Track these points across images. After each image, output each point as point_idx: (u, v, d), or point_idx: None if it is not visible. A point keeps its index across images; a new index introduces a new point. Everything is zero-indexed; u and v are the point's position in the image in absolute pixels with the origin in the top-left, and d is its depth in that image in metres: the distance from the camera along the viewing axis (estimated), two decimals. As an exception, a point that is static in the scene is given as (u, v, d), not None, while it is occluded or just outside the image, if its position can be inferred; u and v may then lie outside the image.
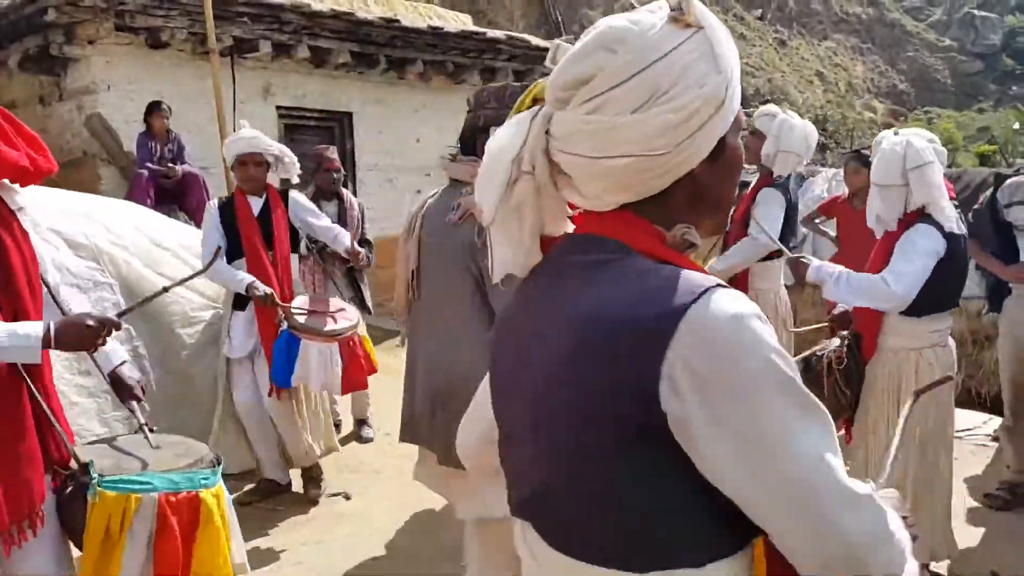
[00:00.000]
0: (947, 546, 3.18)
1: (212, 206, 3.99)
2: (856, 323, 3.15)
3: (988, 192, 4.34)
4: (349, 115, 8.28)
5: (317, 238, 4.33)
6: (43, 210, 4.08)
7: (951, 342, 3.15)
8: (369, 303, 4.99)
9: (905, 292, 2.87)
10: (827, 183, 7.65)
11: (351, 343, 3.82)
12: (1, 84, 7.91)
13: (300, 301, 3.89)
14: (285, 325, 3.77)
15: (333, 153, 4.98)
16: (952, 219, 2.98)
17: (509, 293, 1.13)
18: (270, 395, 3.91)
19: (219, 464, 2.19)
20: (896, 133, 3.14)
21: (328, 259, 4.69)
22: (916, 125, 24.91)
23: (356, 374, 3.85)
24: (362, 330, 4.03)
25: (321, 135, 8.03)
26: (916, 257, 2.89)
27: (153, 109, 6.36)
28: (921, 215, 2.97)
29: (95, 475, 1.97)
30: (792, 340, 3.96)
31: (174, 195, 6.30)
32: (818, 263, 3.13)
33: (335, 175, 4.90)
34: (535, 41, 9.45)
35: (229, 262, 3.82)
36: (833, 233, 5.39)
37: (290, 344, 3.72)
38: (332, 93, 8.11)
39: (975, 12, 31.85)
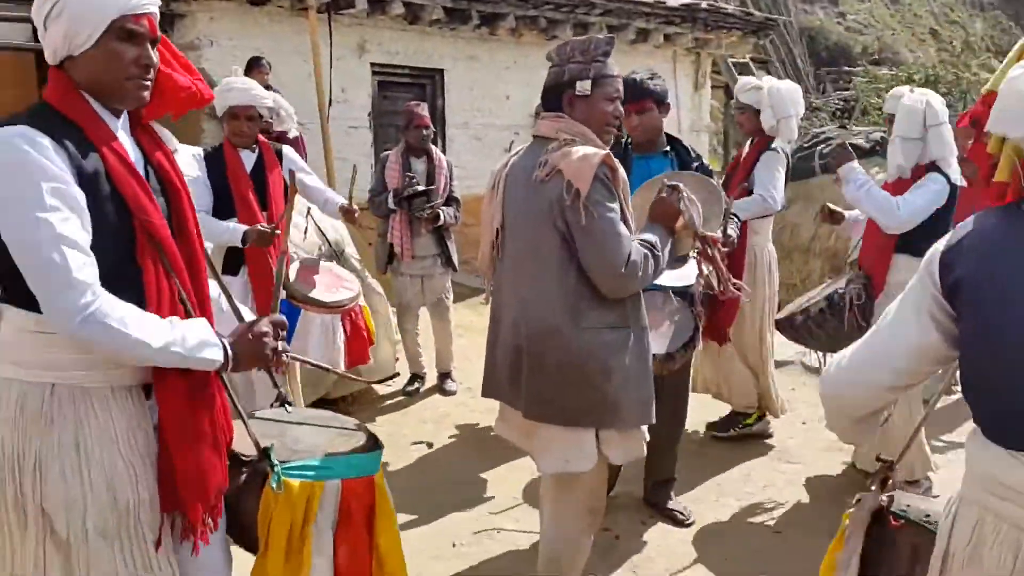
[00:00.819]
0: (923, 466, 3.59)
1: (197, 154, 3.64)
2: (867, 264, 3.53)
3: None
4: (441, 72, 8.32)
5: (308, 199, 4.02)
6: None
7: None
8: (455, 260, 5.07)
9: (908, 216, 3.31)
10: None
11: (353, 314, 3.63)
12: (114, 40, 8.29)
13: (293, 268, 3.51)
14: (283, 294, 3.32)
15: (424, 110, 5.04)
16: (956, 173, 3.43)
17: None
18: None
19: (380, 445, 1.93)
20: (912, 91, 3.54)
21: (416, 216, 4.78)
22: (1039, 86, 23.24)
23: (359, 347, 3.66)
24: (361, 300, 3.77)
25: (413, 92, 8.11)
26: (925, 195, 3.34)
27: (253, 65, 6.54)
28: (932, 167, 3.39)
29: (275, 461, 1.73)
30: (776, 289, 4.19)
31: (272, 149, 6.50)
32: (856, 165, 3.49)
33: (425, 132, 4.96)
34: (630, -5, 9.23)
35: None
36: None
37: (290, 316, 3.33)
38: (424, 50, 8.16)
39: (1115, -37, 29.23)
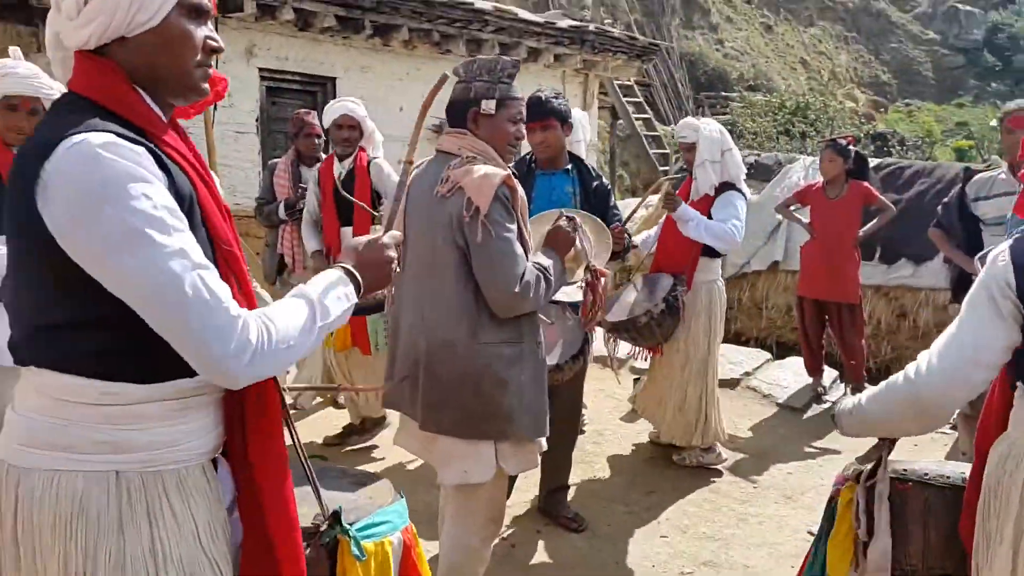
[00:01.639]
0: (717, 435, 4.18)
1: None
2: (671, 268, 4.05)
3: (957, 186, 4.45)
4: (333, 80, 8.21)
5: None
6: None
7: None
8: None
9: (742, 235, 3.99)
10: (805, 171, 7.74)
11: None
12: (-24, 32, 7.75)
13: None
14: None
15: (315, 119, 4.97)
16: (746, 189, 4.12)
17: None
18: None
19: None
20: (699, 119, 4.20)
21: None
22: (896, 116, 25.14)
23: None
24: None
25: (303, 100, 7.96)
26: (740, 213, 3.97)
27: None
28: (727, 185, 4.02)
29: (347, 526, 1.55)
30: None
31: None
32: (685, 207, 3.94)
33: (317, 140, 4.90)
34: (523, 14, 9.41)
35: None
36: (806, 220, 5.48)
37: None
38: (316, 57, 8.04)
39: (959, 6, 32.05)
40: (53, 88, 2.86)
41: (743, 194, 4.09)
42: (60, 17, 1.24)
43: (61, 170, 1.11)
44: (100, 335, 1.18)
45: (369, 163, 4.27)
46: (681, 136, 4.24)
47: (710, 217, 3.98)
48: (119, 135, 1.15)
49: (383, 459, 4.21)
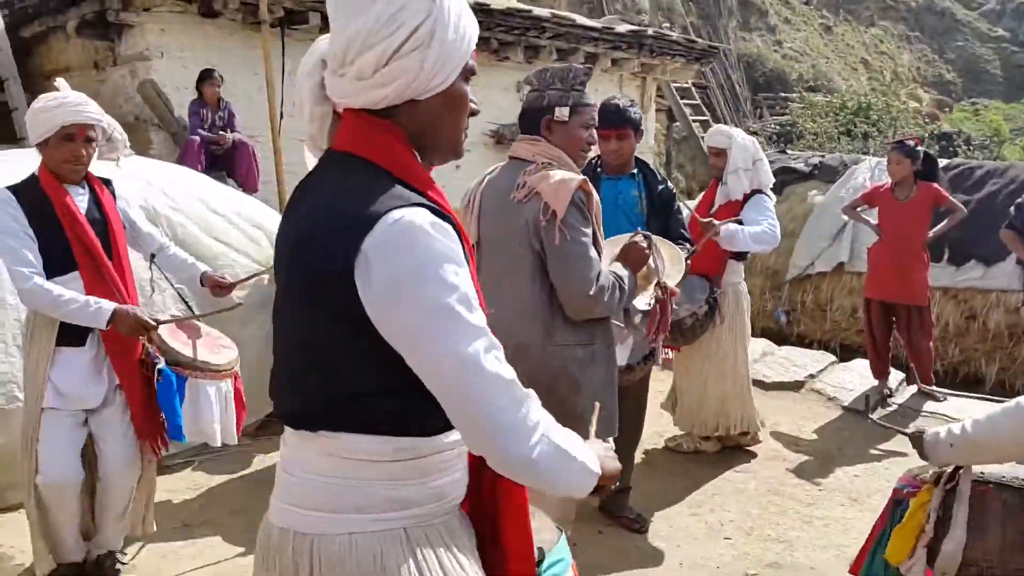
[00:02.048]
0: (755, 423, 4.35)
1: (5, 196, 2.71)
2: (704, 270, 4.08)
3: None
4: (393, 88, 8.37)
5: (137, 249, 3.17)
6: (101, 172, 4.24)
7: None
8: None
9: (779, 232, 4.15)
10: (870, 171, 7.62)
11: (236, 376, 3.04)
12: (58, 49, 8.12)
13: (165, 329, 2.91)
14: (162, 361, 2.81)
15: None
16: (773, 195, 4.32)
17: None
18: (149, 455, 2.98)
19: None
20: (731, 128, 4.40)
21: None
22: (962, 115, 24.42)
23: (241, 413, 3.07)
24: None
25: (365, 108, 8.14)
26: (773, 213, 4.19)
27: (206, 77, 6.51)
28: (756, 191, 4.22)
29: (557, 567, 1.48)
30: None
31: (224, 162, 6.46)
32: (728, 225, 3.98)
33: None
34: (579, 20, 9.46)
35: (49, 277, 2.69)
36: (874, 221, 5.40)
37: (176, 387, 2.84)
38: (377, 66, 8.20)
39: (1030, 1, 31.01)
40: (102, 117, 2.87)
41: (771, 196, 4.30)
42: (340, 77, 1.20)
43: (385, 247, 1.10)
44: (403, 397, 1.17)
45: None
46: (713, 142, 4.39)
47: (739, 221, 4.08)
48: (436, 213, 1.15)
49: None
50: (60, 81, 2.94)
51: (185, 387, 2.85)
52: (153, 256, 3.12)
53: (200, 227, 4.29)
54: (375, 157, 1.19)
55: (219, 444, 2.95)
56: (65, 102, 2.74)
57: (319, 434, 1.18)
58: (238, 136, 6.54)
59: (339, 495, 1.17)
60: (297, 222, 1.21)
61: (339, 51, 1.18)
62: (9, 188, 2.76)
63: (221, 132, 6.46)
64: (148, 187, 4.30)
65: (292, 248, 1.19)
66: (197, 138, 6.37)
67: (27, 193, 2.75)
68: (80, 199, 2.84)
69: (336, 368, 1.16)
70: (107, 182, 3.06)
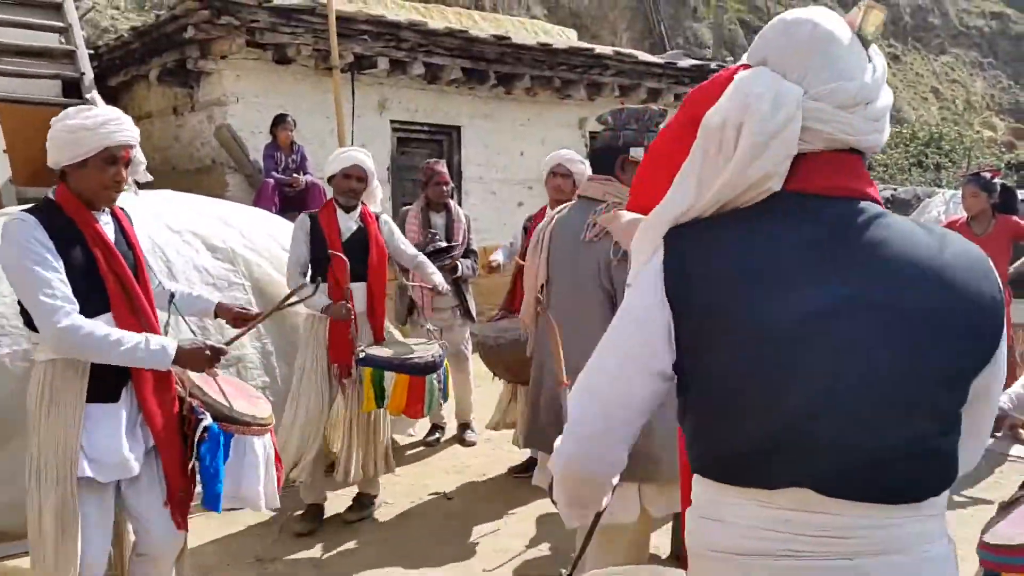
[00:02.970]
0: None
1: (31, 221, 2.26)
2: None
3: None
4: (458, 129, 8.53)
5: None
6: (183, 214, 4.44)
7: None
8: (473, 311, 5.16)
9: None
10: (945, 204, 7.42)
11: (272, 432, 2.67)
12: (141, 96, 8.54)
13: (197, 376, 2.54)
14: (208, 417, 2.42)
15: (443, 167, 5.18)
16: None
17: None
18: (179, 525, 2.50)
19: None
20: None
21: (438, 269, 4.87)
22: (1041, 144, 23.54)
23: (280, 472, 2.68)
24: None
25: (430, 148, 8.32)
26: None
27: (279, 121, 6.74)
28: None
29: None
30: None
31: (297, 203, 6.65)
32: None
33: (445, 188, 5.10)
34: (641, 56, 9.51)
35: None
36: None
37: (222, 445, 2.44)
38: (442, 108, 8.38)
39: (1110, 25, 29.89)
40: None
41: None
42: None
43: None
44: None
45: (378, 219, 4.02)
46: None
47: None
48: None
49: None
50: (93, 95, 2.64)
51: (231, 446, 2.44)
52: (172, 295, 2.74)
53: (273, 265, 4.42)
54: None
55: (263, 510, 2.62)
56: (109, 119, 2.35)
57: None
58: (310, 178, 6.73)
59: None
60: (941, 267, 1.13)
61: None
62: (27, 211, 2.32)
63: (294, 174, 6.67)
64: (226, 227, 4.47)
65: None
66: (271, 180, 6.58)
67: (49, 219, 2.27)
68: (106, 227, 2.40)
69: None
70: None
